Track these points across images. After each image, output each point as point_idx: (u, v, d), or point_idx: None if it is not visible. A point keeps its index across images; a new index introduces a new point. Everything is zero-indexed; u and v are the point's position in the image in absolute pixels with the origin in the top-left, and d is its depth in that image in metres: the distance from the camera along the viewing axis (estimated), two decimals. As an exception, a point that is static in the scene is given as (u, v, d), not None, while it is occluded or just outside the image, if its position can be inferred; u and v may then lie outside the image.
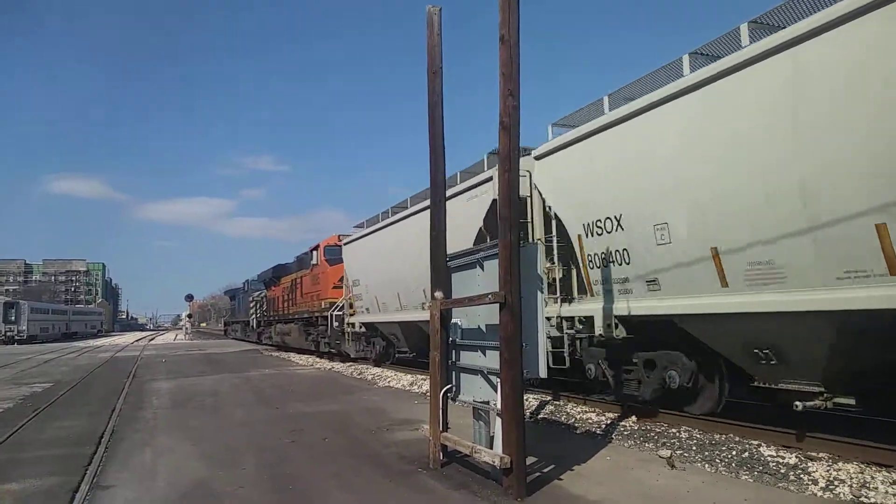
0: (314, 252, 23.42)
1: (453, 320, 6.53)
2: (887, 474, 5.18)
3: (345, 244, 19.43)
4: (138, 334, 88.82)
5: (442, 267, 6.69)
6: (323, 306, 21.56)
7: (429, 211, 6.96)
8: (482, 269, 6.08)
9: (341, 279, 20.04)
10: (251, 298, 38.39)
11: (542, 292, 5.59)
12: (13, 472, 6.48)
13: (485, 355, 5.91)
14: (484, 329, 5.99)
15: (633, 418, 8.10)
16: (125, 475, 6.34)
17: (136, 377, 17.56)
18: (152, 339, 58.26)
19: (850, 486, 4.98)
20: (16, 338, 57.55)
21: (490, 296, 5.42)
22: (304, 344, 24.82)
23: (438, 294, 6.52)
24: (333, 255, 21.67)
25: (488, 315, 5.79)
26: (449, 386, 6.38)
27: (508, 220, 5.34)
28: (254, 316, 37.40)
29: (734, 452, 6.19)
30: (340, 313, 19.75)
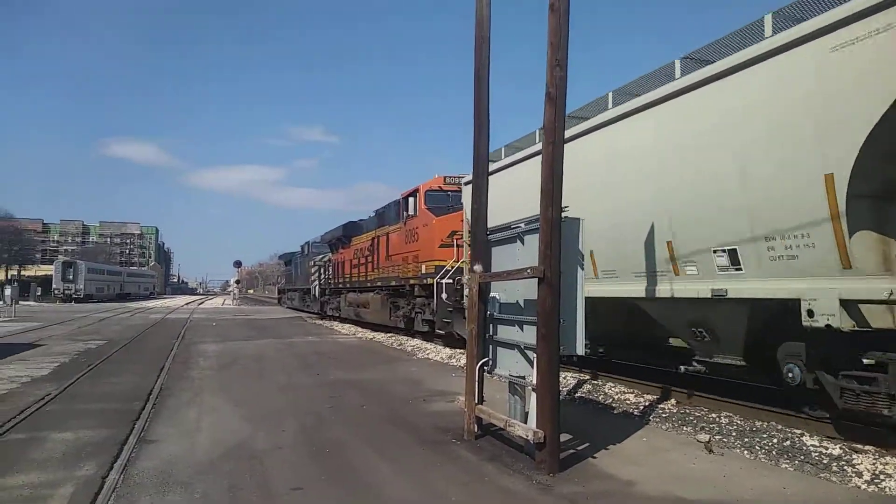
0: (410, 200, 17.72)
1: (492, 294, 6.51)
2: (938, 470, 4.98)
3: (465, 183, 13.06)
4: (188, 298, 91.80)
5: (482, 240, 6.67)
6: (424, 271, 16.12)
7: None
8: (522, 243, 6.02)
9: (452, 235, 14.92)
10: (312, 263, 31.77)
11: (582, 268, 5.50)
12: (68, 423, 6.79)
13: (522, 330, 5.88)
14: (522, 304, 5.95)
15: (673, 401, 7.98)
16: (171, 431, 6.58)
17: (184, 339, 18.15)
18: (201, 303, 60.09)
19: (898, 481, 4.81)
20: (73, 296, 60.18)
21: (529, 270, 5.37)
22: (387, 320, 19.60)
23: (478, 267, 6.50)
24: (439, 202, 16.54)
25: (526, 290, 5.74)
26: (485, 359, 6.39)
27: (551, 193, 5.26)
28: (316, 283, 30.92)
29: (775, 440, 6.04)
30: (452, 282, 13.96)
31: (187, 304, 58.19)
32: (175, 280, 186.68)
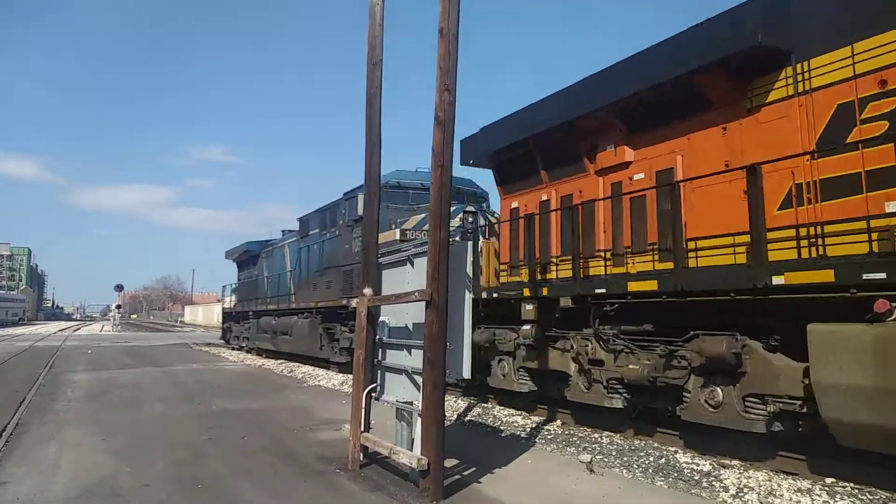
0: None
1: (381, 318, 6.40)
2: (793, 482, 5.32)
3: None
4: (63, 324, 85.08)
5: (373, 263, 6.57)
6: None
7: None
8: (412, 266, 5.98)
9: None
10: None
11: (470, 291, 5.52)
12: None
13: (410, 354, 5.81)
14: (411, 328, 5.89)
15: (558, 422, 8.14)
16: (23, 470, 5.95)
17: (53, 368, 16.73)
18: (77, 330, 55.88)
19: (758, 493, 5.09)
20: (-75, 324, 54.26)
21: (417, 293, 5.32)
22: None
23: (367, 291, 6.39)
24: None
25: (415, 313, 5.69)
26: (373, 385, 6.25)
27: (440, 216, 5.26)
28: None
29: (651, 458, 6.26)
30: None
31: (61, 330, 53.85)
32: (49, 305, 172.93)
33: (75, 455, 6.62)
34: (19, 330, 55.72)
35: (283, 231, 22.61)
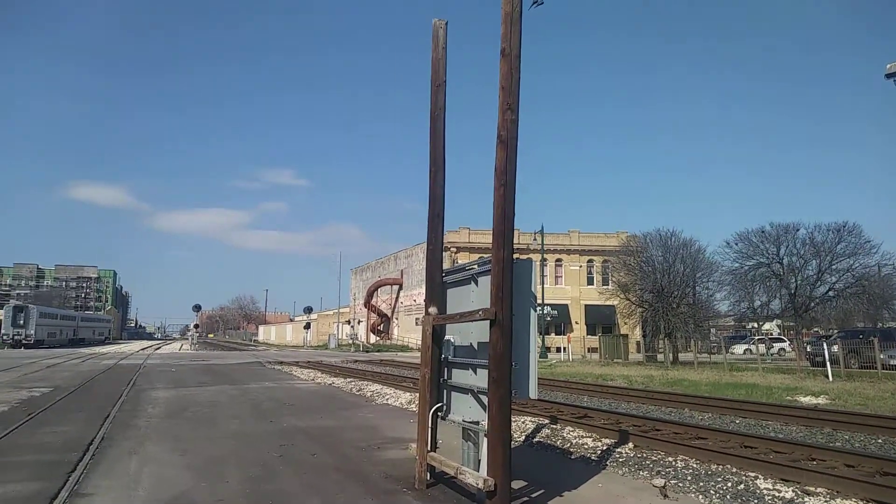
0: None
1: (446, 337, 6.40)
2: (887, 512, 4.98)
3: None
4: (145, 343, 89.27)
5: (437, 282, 6.59)
6: None
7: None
8: (476, 284, 5.96)
9: None
10: None
11: (535, 310, 5.46)
12: (-4, 477, 6.38)
13: (476, 374, 5.77)
14: (476, 346, 5.86)
15: (630, 445, 7.90)
16: (107, 483, 6.23)
17: (135, 385, 17.52)
18: (158, 349, 58.41)
19: (848, 524, 4.78)
20: (23, 342, 57.88)
21: (480, 312, 5.29)
22: None
23: (432, 310, 6.41)
24: None
25: (480, 332, 5.66)
26: (439, 405, 6.24)
27: (503, 235, 5.24)
28: None
29: (729, 484, 5.98)
30: None
31: (143, 349, 56.45)
32: (132, 325, 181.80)
33: (154, 469, 6.89)
34: (105, 349, 58.69)
35: None
